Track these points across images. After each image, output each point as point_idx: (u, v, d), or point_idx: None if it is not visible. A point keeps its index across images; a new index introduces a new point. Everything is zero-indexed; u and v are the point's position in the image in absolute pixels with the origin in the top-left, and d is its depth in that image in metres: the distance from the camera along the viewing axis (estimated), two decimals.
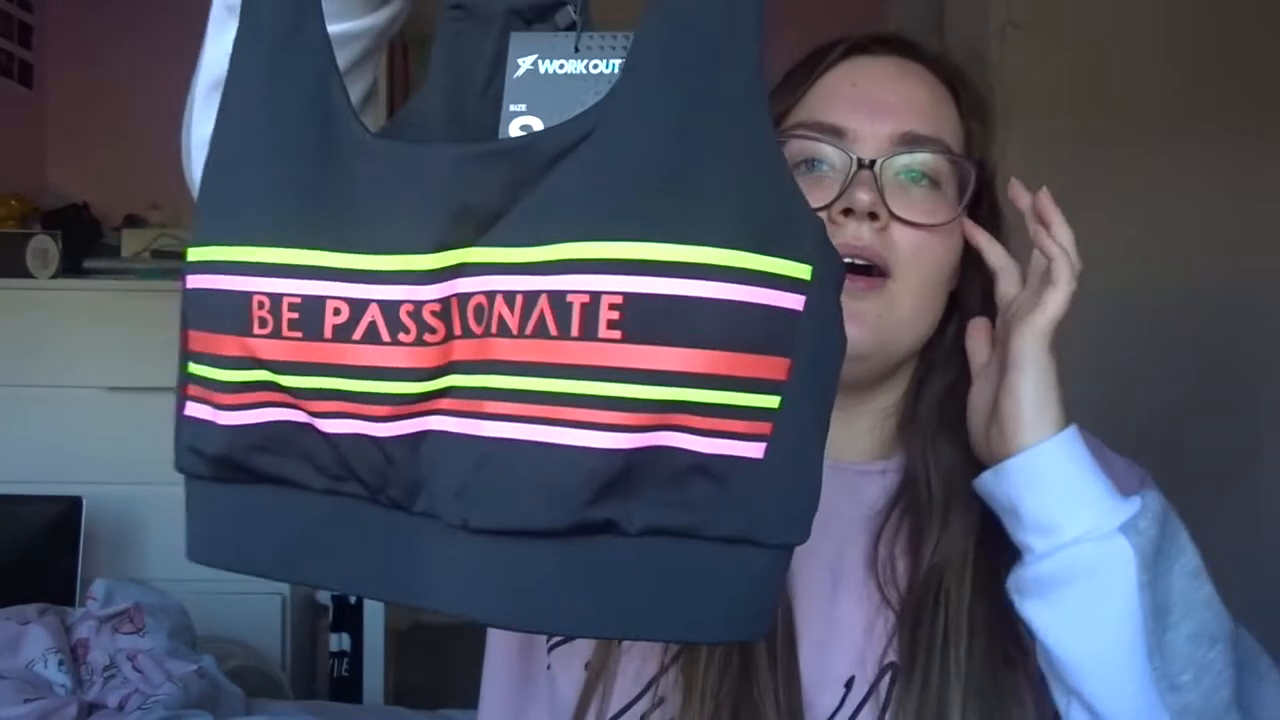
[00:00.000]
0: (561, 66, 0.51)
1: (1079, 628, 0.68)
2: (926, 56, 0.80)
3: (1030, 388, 0.70)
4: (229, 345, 0.52)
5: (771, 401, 0.47)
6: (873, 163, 0.74)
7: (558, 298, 0.45)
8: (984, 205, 0.79)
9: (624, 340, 0.44)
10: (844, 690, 0.74)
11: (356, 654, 2.73)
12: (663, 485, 0.46)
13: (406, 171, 0.49)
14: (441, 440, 0.49)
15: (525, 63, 0.51)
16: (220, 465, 0.55)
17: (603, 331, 0.44)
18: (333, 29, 0.55)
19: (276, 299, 0.51)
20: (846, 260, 0.73)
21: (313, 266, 0.51)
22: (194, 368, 0.54)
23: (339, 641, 2.72)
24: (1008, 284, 0.75)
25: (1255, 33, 2.09)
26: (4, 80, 2.85)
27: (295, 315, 0.50)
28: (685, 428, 0.46)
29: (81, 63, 3.11)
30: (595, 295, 0.44)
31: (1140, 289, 2.02)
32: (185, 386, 0.55)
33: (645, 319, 0.44)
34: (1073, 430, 0.70)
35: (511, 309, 0.46)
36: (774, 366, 0.47)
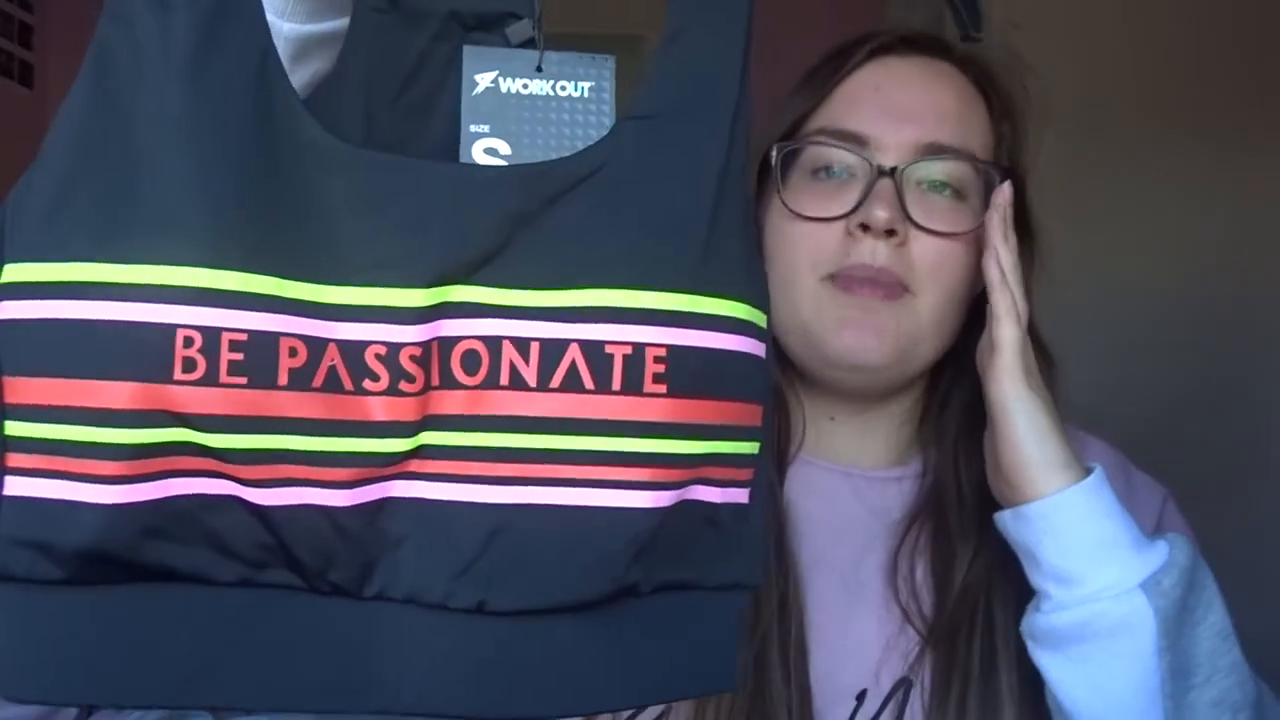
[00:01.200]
0: (525, 86, 0.48)
1: (1092, 686, 0.65)
2: (957, 56, 0.77)
3: (1023, 434, 0.65)
4: (125, 396, 0.39)
5: (754, 447, 0.48)
6: (894, 170, 0.71)
7: (593, 348, 0.42)
8: (1014, 213, 0.76)
9: (669, 394, 0.42)
10: (855, 703, 0.73)
11: None
12: (681, 539, 0.45)
13: (386, 189, 0.42)
14: (419, 509, 0.42)
15: (484, 80, 0.47)
16: (85, 563, 0.40)
17: (648, 385, 0.42)
18: (324, 27, 0.51)
19: (213, 335, 0.40)
20: (860, 277, 0.71)
21: (261, 296, 0.40)
22: (39, 429, 0.40)
23: None
24: (1002, 330, 0.68)
25: (1256, 32, 2.09)
26: (4, 80, 2.85)
27: (239, 356, 0.40)
28: (709, 479, 0.45)
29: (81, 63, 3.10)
30: (639, 347, 0.42)
31: (1140, 288, 2.02)
32: (20, 454, 0.40)
33: (688, 372, 0.43)
34: (1098, 476, 0.66)
35: (526, 358, 0.42)
36: (757, 413, 0.48)
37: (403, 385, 0.41)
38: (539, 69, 0.47)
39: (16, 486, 0.40)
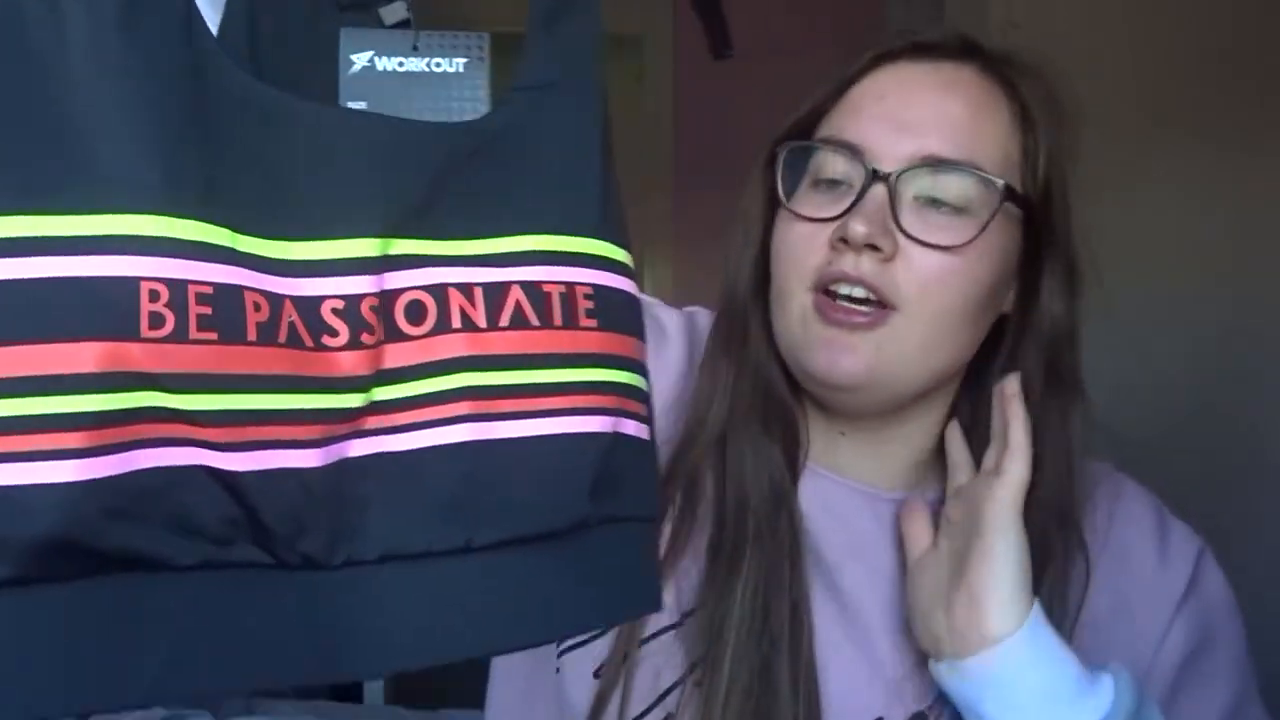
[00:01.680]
0: (401, 64, 0.50)
1: None
2: (982, 60, 0.74)
3: (1008, 556, 0.65)
4: (88, 357, 0.35)
5: (646, 384, 0.51)
6: (887, 176, 0.68)
7: (531, 288, 0.45)
8: (1034, 228, 0.73)
9: (599, 329, 0.46)
10: None
11: None
12: (620, 471, 0.48)
13: (328, 142, 0.41)
14: (382, 464, 0.41)
15: (360, 59, 0.49)
16: (42, 556, 0.35)
17: (582, 320, 0.46)
18: None
19: (179, 287, 0.37)
20: (844, 291, 0.69)
21: (219, 247, 0.38)
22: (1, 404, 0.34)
23: None
24: (1012, 463, 0.68)
25: (1257, 32, 2.09)
26: None
27: (207, 309, 0.37)
28: (630, 413, 0.49)
29: None
30: (570, 285, 0.46)
31: (1140, 288, 2.02)
32: None
33: (609, 308, 0.47)
34: (1036, 616, 0.65)
35: (473, 302, 0.44)
36: (645, 351, 0.52)
37: (363, 337, 0.41)
38: (415, 48, 0.49)
39: None
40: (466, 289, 0.44)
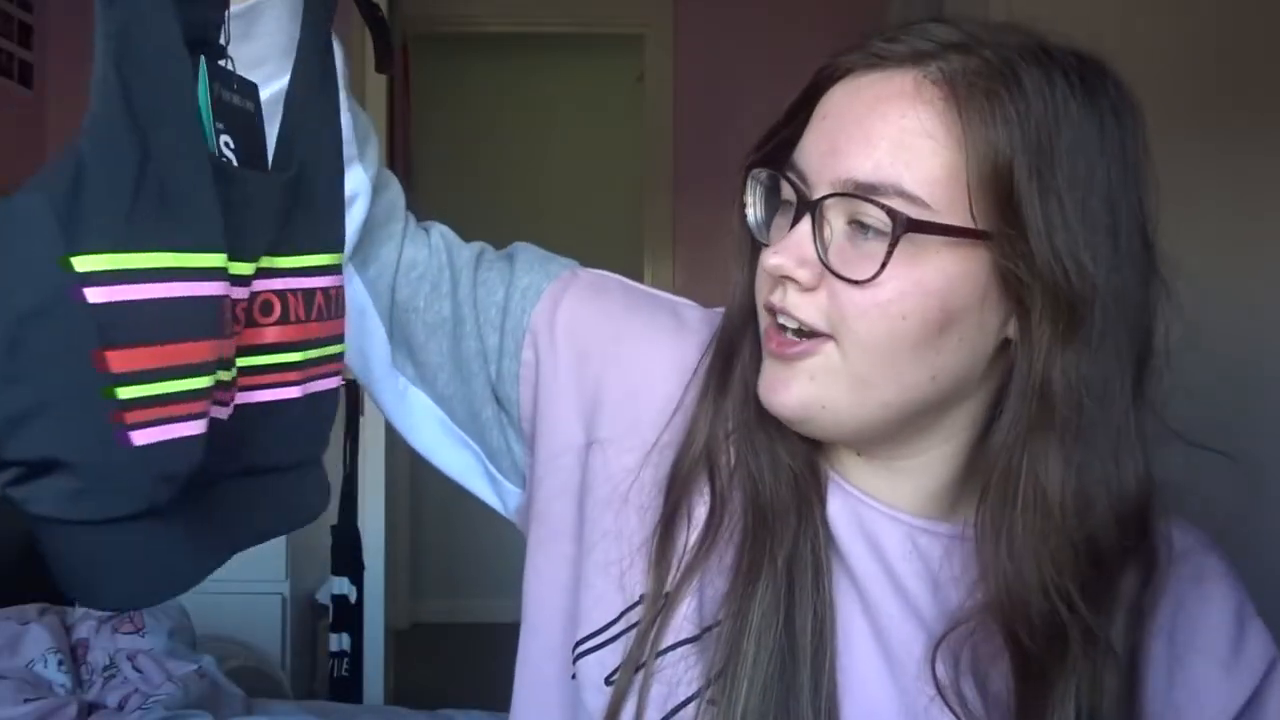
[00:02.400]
0: (231, 98, 0.60)
1: None
2: (940, 64, 0.66)
3: None
4: (206, 350, 0.52)
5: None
6: (814, 205, 0.66)
7: (315, 293, 0.65)
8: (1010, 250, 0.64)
9: (335, 316, 0.67)
10: None
11: (356, 654, 2.73)
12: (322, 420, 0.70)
13: (243, 194, 0.58)
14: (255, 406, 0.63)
15: (215, 88, 0.58)
16: (191, 479, 0.53)
17: (333, 312, 0.67)
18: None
19: (228, 300, 0.56)
20: (780, 321, 0.67)
21: (227, 270, 0.55)
22: (148, 388, 0.51)
23: (339, 641, 2.72)
24: None
25: (1257, 32, 2.09)
26: (4, 80, 2.85)
27: (240, 312, 0.58)
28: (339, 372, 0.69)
29: (81, 63, 3.10)
30: (336, 288, 0.67)
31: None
32: (124, 413, 0.50)
33: (342, 300, 0.68)
34: None
35: (300, 301, 0.64)
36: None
37: (236, 328, 0.58)
38: (234, 87, 0.60)
39: (143, 437, 0.50)
40: (294, 292, 0.63)
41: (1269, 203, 2.08)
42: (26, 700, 1.78)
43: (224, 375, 0.55)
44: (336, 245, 0.67)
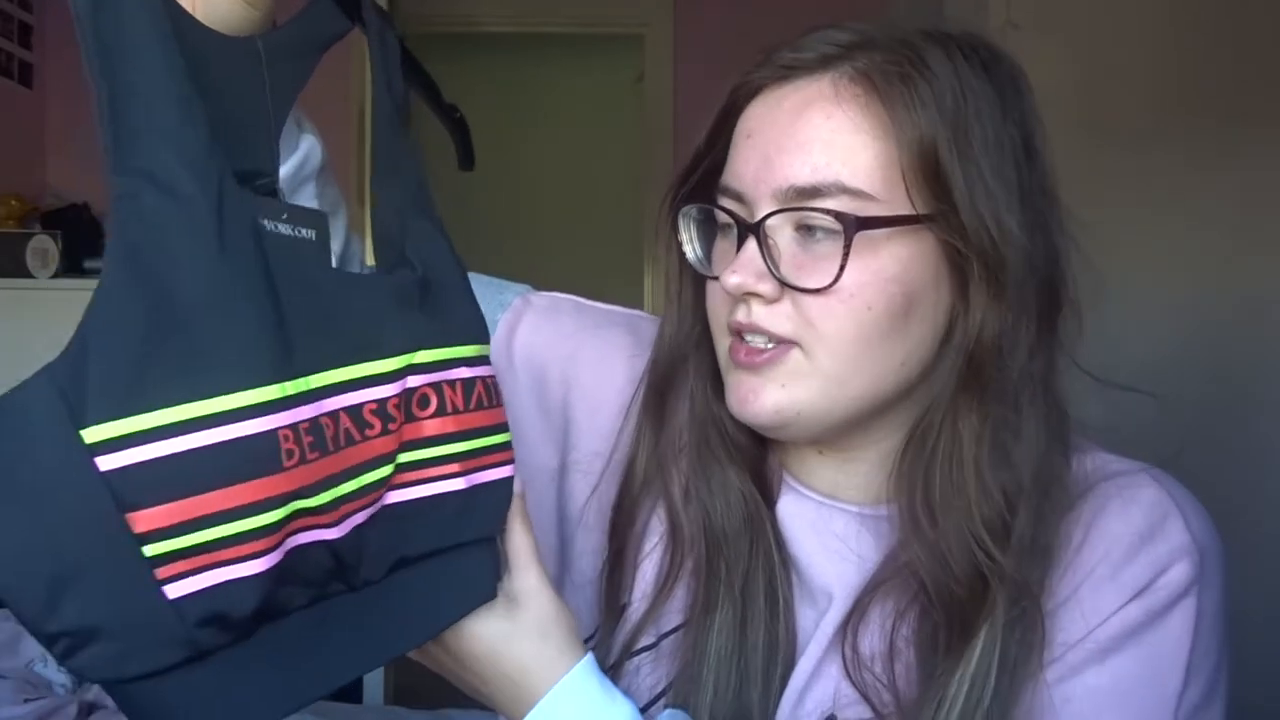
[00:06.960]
0: (278, 227, 0.59)
1: None
2: (848, 63, 0.68)
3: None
4: (255, 491, 0.51)
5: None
6: (756, 225, 0.67)
7: (487, 380, 0.66)
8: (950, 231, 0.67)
9: (495, 405, 0.66)
10: None
11: None
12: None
13: (339, 299, 0.59)
14: (388, 510, 0.60)
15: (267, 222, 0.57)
16: (250, 621, 0.52)
17: (494, 400, 0.66)
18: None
19: (294, 428, 0.53)
20: (746, 337, 0.69)
21: (295, 394, 0.53)
22: (181, 540, 0.49)
23: None
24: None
25: (1257, 32, 2.09)
26: (4, 80, 2.85)
27: (311, 438, 0.54)
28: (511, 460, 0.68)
29: (81, 63, 3.10)
30: (490, 377, 0.66)
31: (1140, 288, 2.02)
32: (155, 569, 0.49)
33: (499, 390, 0.67)
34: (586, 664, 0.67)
35: (455, 392, 0.64)
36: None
37: (390, 426, 0.59)
38: (285, 218, 0.58)
39: (179, 589, 0.49)
40: (451, 383, 0.63)
41: (1269, 203, 2.08)
42: (26, 700, 1.78)
43: (307, 503, 0.53)
44: (482, 336, 0.66)
